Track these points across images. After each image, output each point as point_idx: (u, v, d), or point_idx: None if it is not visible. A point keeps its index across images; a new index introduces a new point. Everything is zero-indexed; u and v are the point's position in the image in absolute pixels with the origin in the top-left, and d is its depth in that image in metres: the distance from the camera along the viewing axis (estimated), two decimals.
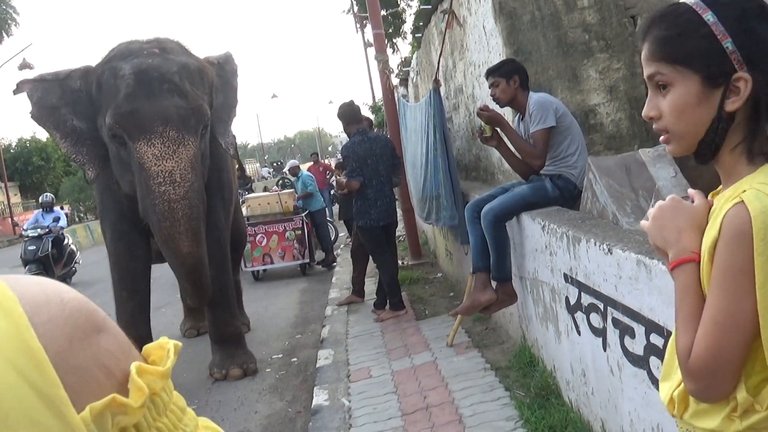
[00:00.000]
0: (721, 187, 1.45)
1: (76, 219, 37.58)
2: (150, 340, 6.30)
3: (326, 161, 27.80)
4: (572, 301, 3.85)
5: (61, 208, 39.03)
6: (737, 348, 1.28)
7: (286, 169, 15.50)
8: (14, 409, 0.46)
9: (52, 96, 6.14)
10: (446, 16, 6.34)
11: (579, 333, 3.83)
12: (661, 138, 1.42)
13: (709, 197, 1.46)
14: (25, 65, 36.43)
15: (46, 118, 6.18)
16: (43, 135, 50.63)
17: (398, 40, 26.05)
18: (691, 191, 1.47)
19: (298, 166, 14.36)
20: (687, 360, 1.33)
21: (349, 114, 7.86)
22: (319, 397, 5.47)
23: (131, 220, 6.36)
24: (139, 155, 5.58)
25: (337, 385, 5.72)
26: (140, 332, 6.55)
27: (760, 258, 1.24)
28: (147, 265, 6.74)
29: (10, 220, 38.33)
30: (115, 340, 0.57)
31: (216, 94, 6.50)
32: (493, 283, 5.08)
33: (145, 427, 0.54)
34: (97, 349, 0.54)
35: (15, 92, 6.25)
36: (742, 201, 1.27)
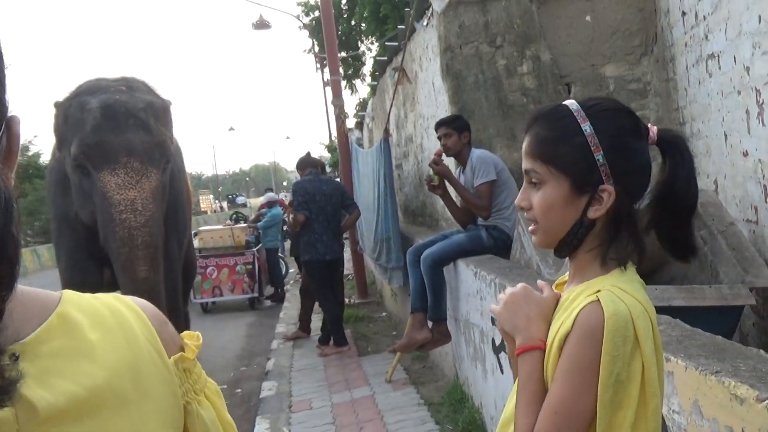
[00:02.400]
0: (565, 278, 1.54)
1: (23, 242, 37.01)
2: None
3: (281, 197, 27.99)
4: (497, 342, 4.22)
5: None
6: None
7: (262, 200, 15.70)
8: (147, 359, 0.92)
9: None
10: (397, 72, 6.78)
11: (502, 372, 4.19)
12: (530, 228, 1.52)
13: (554, 287, 1.54)
14: None
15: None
16: None
17: (357, 82, 26.52)
18: (540, 282, 1.57)
19: (276, 201, 14.57)
20: None
21: (303, 161, 8.31)
22: (261, 426, 5.73)
23: (86, 249, 6.53)
24: (103, 184, 5.79)
25: (279, 415, 5.99)
26: None
27: (606, 357, 1.31)
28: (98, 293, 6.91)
29: None
30: (172, 327, 1.02)
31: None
32: (430, 323, 5.44)
33: (194, 369, 1.00)
34: (169, 329, 1.00)
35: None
36: (598, 300, 1.34)
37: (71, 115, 6.13)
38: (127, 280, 5.79)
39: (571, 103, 1.48)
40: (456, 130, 5.38)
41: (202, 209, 63.88)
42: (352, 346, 8.10)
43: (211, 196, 71.77)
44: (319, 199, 7.85)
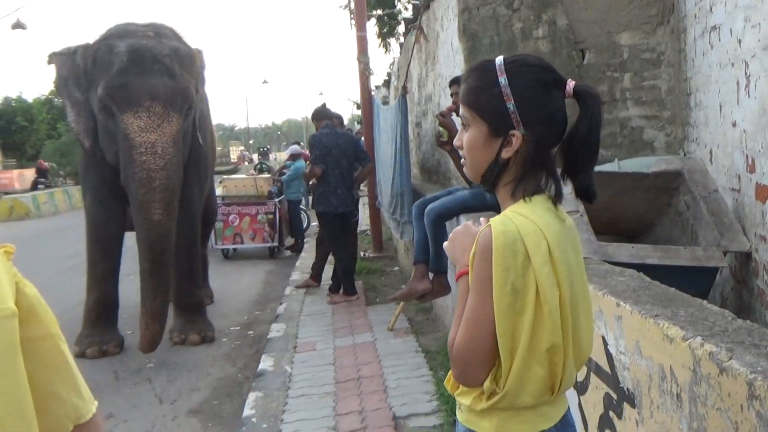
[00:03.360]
0: None
1: (49, 185, 37.68)
2: (116, 302, 6.77)
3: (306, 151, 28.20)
4: None
5: (42, 163, 39.24)
6: (483, 341, 1.59)
7: (287, 153, 15.92)
8: None
9: (64, 69, 6.69)
10: (416, 31, 6.94)
11: None
12: (461, 161, 1.83)
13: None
14: (18, 25, 36.59)
15: (60, 89, 6.79)
16: (29, 96, 50.62)
17: (392, 41, 26.49)
18: (482, 218, 1.78)
19: (300, 154, 14.75)
20: (451, 350, 1.65)
21: (318, 112, 8.52)
22: (266, 363, 6.05)
23: (111, 188, 6.85)
24: (125, 126, 6.07)
25: (284, 354, 6.30)
26: (109, 292, 7.08)
27: (498, 269, 1.56)
28: (121, 231, 7.22)
29: None
30: None
31: (202, 83, 7.00)
32: (431, 275, 5.68)
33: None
34: None
35: (48, 63, 6.78)
36: (490, 224, 1.61)
37: (99, 57, 6.42)
38: (141, 221, 6.10)
39: (498, 58, 1.71)
40: None
41: (233, 161, 64.42)
42: (361, 296, 8.39)
43: (242, 148, 72.11)
44: (335, 152, 8.07)
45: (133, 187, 6.09)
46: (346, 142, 8.20)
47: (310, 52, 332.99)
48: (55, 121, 45.20)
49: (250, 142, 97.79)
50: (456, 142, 1.79)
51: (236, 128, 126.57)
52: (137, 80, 6.17)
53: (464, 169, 1.78)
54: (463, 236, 1.77)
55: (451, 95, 5.76)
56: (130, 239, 7.50)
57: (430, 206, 5.54)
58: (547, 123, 1.68)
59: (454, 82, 5.70)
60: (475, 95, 1.71)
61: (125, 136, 6.09)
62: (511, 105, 1.65)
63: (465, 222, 1.84)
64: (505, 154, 1.68)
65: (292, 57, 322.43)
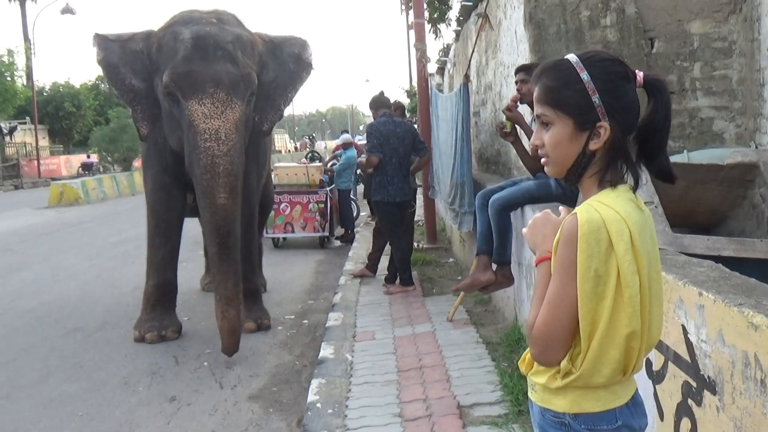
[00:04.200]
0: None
1: (101, 170, 38.53)
2: (175, 286, 6.98)
3: (356, 140, 28.32)
4: None
5: (88, 157, 40.07)
6: (564, 323, 1.75)
7: (337, 141, 16.11)
8: None
9: (114, 56, 6.85)
10: (480, 18, 7.02)
11: None
12: (542, 161, 1.91)
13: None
14: (67, 10, 37.44)
15: (109, 75, 6.94)
16: (76, 81, 51.51)
17: (442, 26, 26.38)
18: (561, 207, 1.98)
19: (351, 143, 14.90)
20: (531, 331, 1.81)
21: (376, 100, 8.73)
22: (326, 351, 6.22)
23: (173, 174, 7.08)
24: (190, 113, 6.25)
25: (343, 342, 6.48)
26: (168, 277, 7.31)
27: (582, 255, 1.70)
28: (181, 217, 7.44)
29: (36, 162, 39.45)
30: None
31: (266, 69, 7.14)
32: (494, 266, 5.79)
33: None
34: None
35: (93, 44, 6.99)
36: (576, 213, 1.75)
37: (165, 44, 6.61)
38: (206, 205, 6.22)
39: (571, 56, 1.85)
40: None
41: (276, 148, 65.02)
42: (417, 287, 8.54)
43: (286, 136, 72.62)
44: (393, 141, 8.23)
45: (197, 172, 6.24)
46: (403, 130, 8.35)
47: (356, 38, 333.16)
48: (102, 107, 46.16)
49: (295, 129, 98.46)
50: (535, 141, 1.91)
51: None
52: (201, 67, 6.32)
53: (547, 167, 1.91)
54: (543, 224, 1.92)
55: (516, 83, 5.85)
56: (184, 225, 7.72)
57: (494, 196, 5.65)
58: (627, 112, 1.81)
59: (521, 70, 5.79)
60: (556, 93, 1.83)
61: (190, 122, 6.25)
62: (596, 98, 1.79)
63: (545, 210, 1.98)
64: (594, 146, 1.81)
65: (338, 43, 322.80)
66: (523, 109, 5.98)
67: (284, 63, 7.30)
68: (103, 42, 6.91)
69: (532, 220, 1.96)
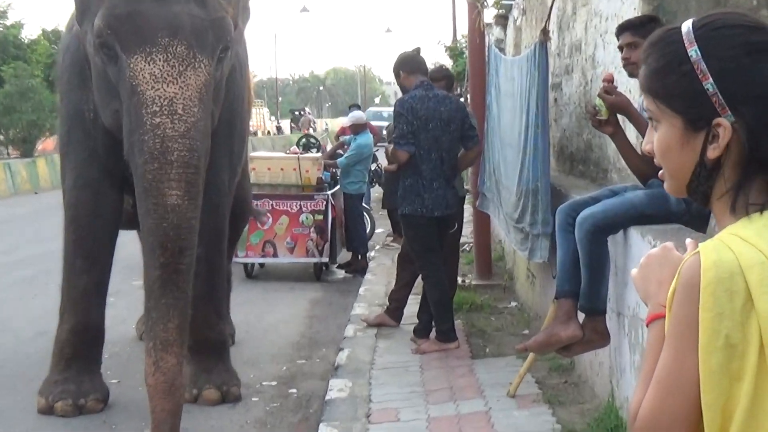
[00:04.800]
0: None
1: None
2: (101, 333, 7.01)
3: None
4: None
5: None
6: (680, 410, 1.70)
7: (344, 121, 16.08)
8: None
9: None
10: None
11: None
12: (659, 173, 1.93)
13: None
14: None
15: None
16: None
17: None
18: (688, 240, 1.93)
19: (366, 125, 14.85)
20: (633, 420, 1.78)
21: (411, 61, 8.74)
22: None
23: (105, 166, 7.11)
24: (133, 73, 6.23)
25: (352, 425, 6.52)
26: (92, 318, 7.33)
27: (706, 314, 1.64)
28: (114, 229, 7.46)
29: None
30: None
31: (242, 17, 7.20)
32: (581, 316, 5.81)
33: None
34: None
35: None
36: (699, 251, 1.70)
37: None
38: (150, 208, 6.10)
39: (685, 23, 1.84)
40: (645, 37, 5.65)
41: (251, 128, 64.87)
42: (462, 343, 8.60)
43: (266, 110, 72.61)
44: (434, 127, 8.26)
45: (140, 161, 6.15)
46: (449, 110, 8.38)
47: None
48: None
49: (279, 100, 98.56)
50: (646, 146, 1.93)
51: (257, 80, 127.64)
52: (152, 6, 6.33)
53: (665, 182, 1.92)
54: (660, 264, 1.90)
55: (619, 48, 5.87)
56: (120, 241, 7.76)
57: (584, 212, 5.67)
58: (762, 103, 1.76)
59: (626, 28, 5.82)
60: (659, 79, 1.84)
61: (132, 87, 6.23)
62: (709, 84, 1.77)
63: (665, 244, 1.96)
64: (712, 152, 1.78)
65: None
66: (629, 86, 6.02)
67: (245, 6, 7.45)
68: None
69: (645, 257, 1.96)
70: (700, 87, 1.77)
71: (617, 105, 5.69)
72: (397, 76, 8.80)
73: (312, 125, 46.05)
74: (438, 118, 8.27)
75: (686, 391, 1.69)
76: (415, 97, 8.38)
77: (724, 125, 1.76)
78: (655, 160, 1.91)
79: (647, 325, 1.87)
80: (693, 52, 1.78)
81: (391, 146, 8.53)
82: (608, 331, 5.83)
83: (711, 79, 1.76)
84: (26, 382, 7.88)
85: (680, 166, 1.83)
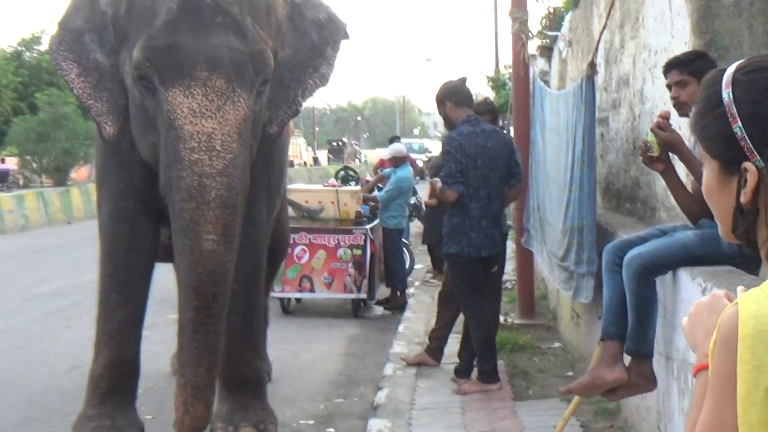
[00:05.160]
0: None
1: (21, 182, 38.91)
2: (137, 368, 7.08)
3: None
4: None
5: (2, 161, 40.52)
6: None
7: (385, 155, 16.10)
8: None
9: (79, 16, 6.97)
10: None
11: None
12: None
13: None
14: None
15: (66, 46, 6.97)
16: None
17: None
18: (740, 288, 1.94)
19: (406, 158, 14.82)
20: None
21: (457, 91, 8.72)
22: None
23: (142, 198, 7.17)
24: (171, 107, 6.26)
25: None
26: (127, 353, 7.37)
27: (745, 366, 1.65)
28: (150, 262, 7.51)
29: None
30: None
31: (282, 45, 7.24)
32: (626, 359, 5.80)
33: None
34: None
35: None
36: (738, 302, 1.73)
37: (138, 2, 6.63)
38: (186, 250, 6.19)
39: (733, 65, 1.89)
40: (696, 75, 5.67)
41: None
42: (504, 384, 8.60)
43: (302, 140, 72.70)
44: (482, 164, 8.28)
45: (177, 198, 6.22)
46: (497, 145, 8.42)
47: None
48: (26, 88, 46.78)
49: (315, 130, 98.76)
50: (705, 189, 1.96)
51: None
52: (191, 39, 6.34)
53: (720, 228, 1.95)
54: (708, 313, 1.92)
55: (667, 86, 5.89)
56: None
57: (632, 252, 5.67)
58: None
59: (674, 66, 5.83)
60: (700, 121, 1.92)
61: (170, 121, 6.26)
62: (737, 128, 1.82)
63: (714, 291, 2.01)
64: (743, 197, 1.83)
65: (385, 3, 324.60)
66: (682, 124, 6.03)
67: (305, 34, 7.37)
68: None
69: (694, 305, 1.98)
70: (730, 130, 1.83)
71: (669, 142, 5.69)
72: (441, 104, 8.74)
73: (358, 156, 46.06)
74: (486, 155, 8.30)
75: None
76: (462, 133, 8.38)
77: (751, 170, 1.80)
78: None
79: (695, 375, 1.89)
80: (726, 95, 1.84)
81: (438, 181, 8.54)
82: (654, 375, 5.80)
83: (739, 123, 1.81)
84: (61, 417, 7.96)
85: (722, 210, 1.88)
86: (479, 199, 8.29)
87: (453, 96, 8.67)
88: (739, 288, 1.95)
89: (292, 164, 54.51)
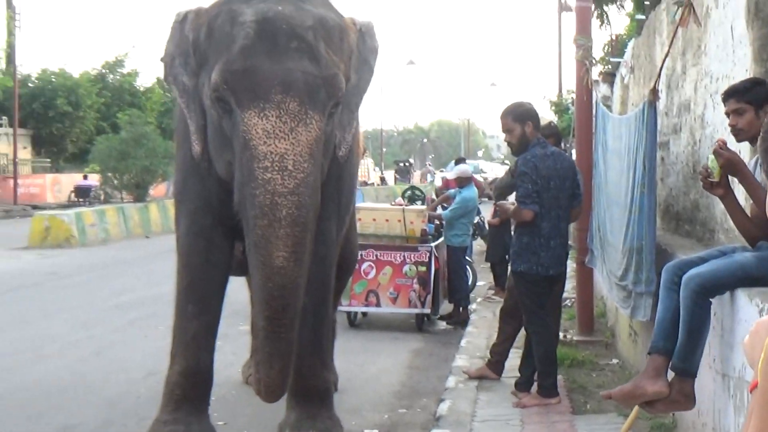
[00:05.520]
0: None
1: (102, 197, 39.52)
2: (210, 376, 7.18)
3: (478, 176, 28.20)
4: None
5: (85, 177, 41.28)
6: None
7: (450, 175, 16.17)
8: None
9: (173, 42, 7.19)
10: (681, 8, 7.07)
11: None
12: None
13: None
14: None
15: (168, 71, 7.25)
16: (75, 70, 53.22)
17: (611, 9, 26.32)
18: None
19: (471, 178, 14.90)
20: None
21: (537, 116, 8.78)
22: None
23: (218, 215, 7.28)
24: (246, 128, 6.39)
25: None
26: (201, 362, 7.45)
27: None
28: (225, 276, 7.61)
29: (13, 182, 40.69)
30: None
31: (353, 69, 7.34)
32: (671, 375, 5.75)
33: None
34: None
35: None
36: None
37: (218, 27, 6.79)
38: (258, 265, 6.33)
39: None
40: (752, 103, 5.64)
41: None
42: (563, 398, 8.57)
43: (370, 161, 73.06)
44: (554, 185, 8.31)
45: (250, 215, 6.35)
46: (564, 167, 8.47)
47: (479, 24, 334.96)
48: (109, 108, 47.55)
49: (383, 151, 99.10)
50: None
51: (362, 131, 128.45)
52: (267, 63, 6.47)
53: None
54: (767, 332, 1.92)
55: (726, 114, 5.85)
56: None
57: (691, 272, 5.63)
58: None
59: (732, 94, 5.80)
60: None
61: (245, 141, 6.38)
62: None
63: None
64: None
65: (450, 30, 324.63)
66: (740, 149, 5.99)
67: (366, 61, 7.49)
68: (172, 24, 7.25)
69: (754, 324, 1.97)
70: None
71: (731, 163, 5.64)
72: (522, 123, 8.57)
73: (432, 175, 46.10)
74: (557, 176, 8.33)
75: None
76: (536, 155, 8.38)
77: None
78: None
79: (750, 391, 1.87)
80: None
81: (504, 203, 8.59)
82: (695, 394, 5.76)
83: None
84: (137, 421, 8.04)
85: None
86: (550, 219, 8.31)
87: (534, 117, 8.71)
88: None
89: (365, 184, 54.80)
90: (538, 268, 8.33)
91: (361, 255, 12.29)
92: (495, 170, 53.38)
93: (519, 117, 8.66)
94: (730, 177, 5.80)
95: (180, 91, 7.14)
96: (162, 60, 7.32)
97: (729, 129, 5.82)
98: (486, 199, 22.28)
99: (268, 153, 6.29)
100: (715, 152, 5.69)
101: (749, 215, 5.77)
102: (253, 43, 6.51)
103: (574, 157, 11.84)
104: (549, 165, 8.32)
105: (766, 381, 1.72)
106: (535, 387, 8.55)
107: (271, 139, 6.32)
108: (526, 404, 8.36)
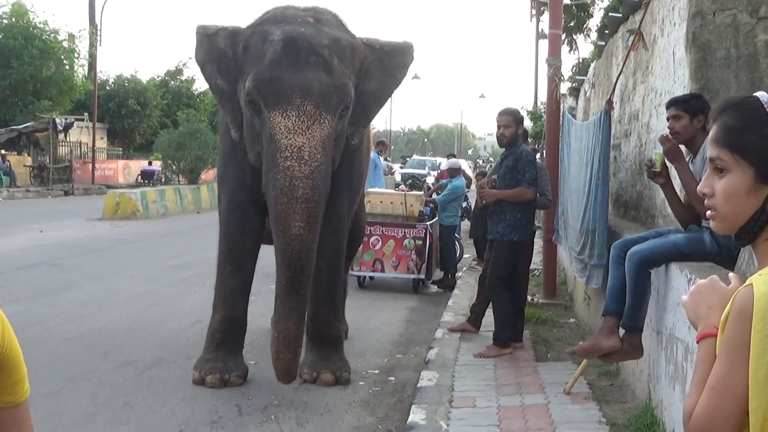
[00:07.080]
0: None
1: (163, 180, 39.77)
2: (244, 324, 7.22)
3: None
4: None
5: (150, 164, 41.50)
6: (729, 415, 1.73)
7: (443, 166, 16.27)
8: None
9: (201, 51, 7.31)
10: (632, 35, 7.07)
11: None
12: (708, 213, 1.95)
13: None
14: None
15: (202, 72, 7.45)
16: (144, 76, 53.59)
17: (579, 37, 26.26)
18: (731, 274, 1.95)
19: (460, 169, 14.96)
20: (688, 420, 1.80)
21: (522, 120, 9.14)
22: (416, 416, 6.33)
23: (251, 193, 7.36)
24: (272, 125, 6.56)
25: (437, 407, 6.56)
26: (237, 312, 7.54)
27: (756, 335, 1.67)
28: (257, 243, 7.70)
29: (91, 166, 40.93)
30: None
31: (366, 79, 7.38)
32: (621, 332, 5.80)
33: None
34: None
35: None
36: (752, 284, 1.73)
37: (252, 44, 6.94)
38: (279, 234, 6.53)
39: (761, 94, 1.89)
40: (689, 111, 5.65)
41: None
42: (528, 348, 8.62)
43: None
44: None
45: (273, 195, 6.54)
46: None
47: (471, 45, 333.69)
48: (170, 108, 47.76)
49: (391, 148, 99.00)
50: (704, 188, 1.94)
51: (375, 131, 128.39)
52: (289, 73, 6.62)
53: (713, 221, 1.94)
54: (709, 293, 1.92)
55: (668, 119, 5.87)
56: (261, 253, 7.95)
57: (634, 249, 5.67)
58: None
59: (673, 104, 5.82)
60: (738, 136, 1.87)
61: (270, 136, 6.55)
62: None
63: (711, 276, 1.99)
64: None
65: (449, 50, 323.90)
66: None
67: (391, 73, 7.59)
68: (197, 36, 7.34)
69: (694, 286, 1.97)
70: None
71: (674, 149, 5.68)
72: (520, 123, 9.00)
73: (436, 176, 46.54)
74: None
75: (736, 397, 1.71)
76: (529, 152, 8.89)
77: None
78: (707, 202, 1.93)
79: (698, 342, 1.89)
80: None
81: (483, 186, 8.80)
82: (642, 345, 5.86)
83: None
84: (185, 359, 8.09)
85: (741, 211, 1.86)
86: (536, 200, 8.72)
87: (515, 119, 8.82)
88: (731, 275, 1.97)
89: (392, 170, 54.36)
90: (525, 237, 8.61)
91: (370, 230, 12.47)
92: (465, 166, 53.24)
93: (518, 119, 8.94)
94: (669, 171, 5.83)
95: (214, 91, 7.40)
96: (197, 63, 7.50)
97: (669, 131, 5.82)
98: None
99: (289, 145, 6.48)
100: (662, 139, 5.75)
101: (683, 203, 5.80)
102: (279, 57, 6.69)
103: (545, 155, 11.88)
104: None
105: (733, 332, 1.72)
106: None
107: (291, 135, 6.49)
108: (488, 354, 8.28)
